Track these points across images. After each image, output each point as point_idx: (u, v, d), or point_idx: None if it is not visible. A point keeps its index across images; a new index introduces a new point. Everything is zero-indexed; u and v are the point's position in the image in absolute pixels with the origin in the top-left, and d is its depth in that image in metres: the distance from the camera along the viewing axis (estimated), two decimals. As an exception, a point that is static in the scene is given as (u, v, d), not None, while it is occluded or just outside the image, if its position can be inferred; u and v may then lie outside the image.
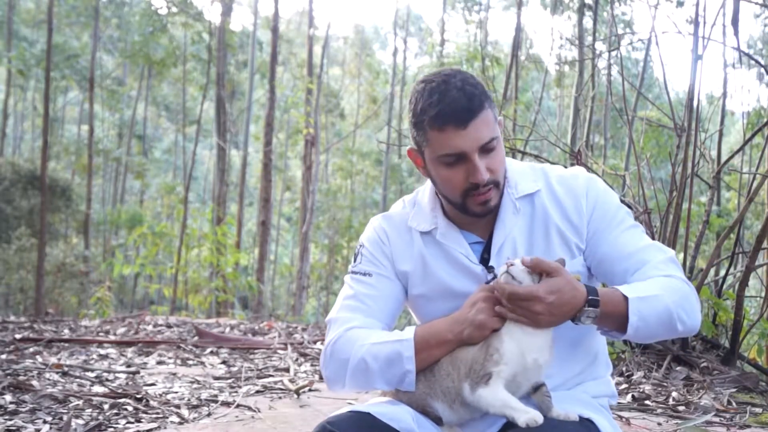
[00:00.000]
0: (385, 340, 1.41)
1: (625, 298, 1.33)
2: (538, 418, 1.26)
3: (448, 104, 1.37)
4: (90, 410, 2.75)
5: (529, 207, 1.49)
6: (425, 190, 1.58)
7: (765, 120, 4.71)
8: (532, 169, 1.54)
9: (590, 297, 1.31)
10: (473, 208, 1.44)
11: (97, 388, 3.19)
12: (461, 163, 1.40)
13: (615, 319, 1.35)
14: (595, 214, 1.48)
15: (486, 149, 1.40)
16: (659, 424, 2.64)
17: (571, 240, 1.47)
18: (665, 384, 3.36)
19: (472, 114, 1.37)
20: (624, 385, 3.31)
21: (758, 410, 2.88)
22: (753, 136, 4.57)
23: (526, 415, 1.26)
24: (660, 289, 1.36)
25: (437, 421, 1.39)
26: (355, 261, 1.56)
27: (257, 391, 3.23)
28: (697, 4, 4.62)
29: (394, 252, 1.54)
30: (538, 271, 1.32)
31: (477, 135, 1.38)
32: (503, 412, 1.29)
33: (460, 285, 1.46)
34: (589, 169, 4.41)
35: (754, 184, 4.00)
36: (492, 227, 1.49)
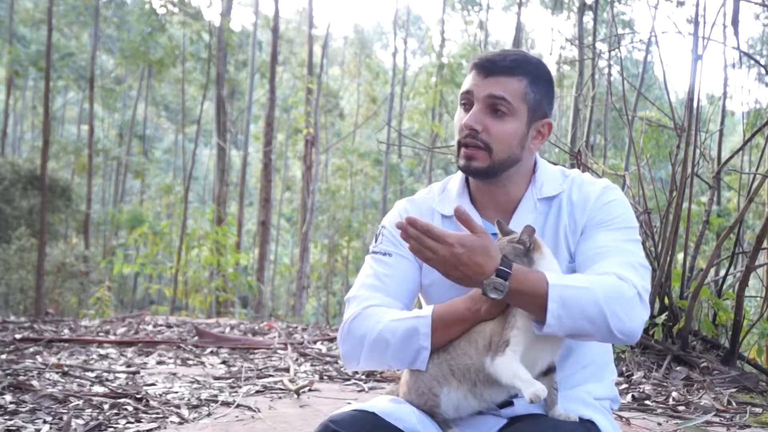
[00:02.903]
0: (402, 317, 1.42)
1: (547, 283, 1.29)
2: (541, 392, 1.24)
3: (490, 55, 1.48)
4: (90, 410, 2.75)
5: (549, 209, 1.51)
6: (456, 176, 1.61)
7: (765, 120, 4.71)
8: (562, 174, 1.55)
9: (500, 267, 1.29)
10: (459, 160, 1.49)
11: (97, 388, 3.18)
12: (468, 111, 1.46)
13: (533, 301, 1.29)
14: (593, 214, 1.47)
15: (493, 108, 1.44)
16: (659, 424, 2.64)
17: (572, 244, 1.48)
18: (665, 384, 3.36)
19: (500, 69, 1.45)
20: (624, 385, 3.31)
21: (758, 410, 2.88)
22: (753, 136, 4.58)
23: (531, 387, 1.24)
24: (592, 283, 1.31)
25: (443, 425, 1.39)
26: (376, 241, 1.58)
27: (257, 391, 3.23)
28: (697, 4, 4.62)
29: None
30: (464, 224, 1.32)
31: (490, 87, 1.44)
32: (512, 382, 1.28)
33: None
34: (589, 169, 4.42)
35: (754, 184, 4.00)
36: (510, 220, 1.51)
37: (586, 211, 1.48)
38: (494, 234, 1.47)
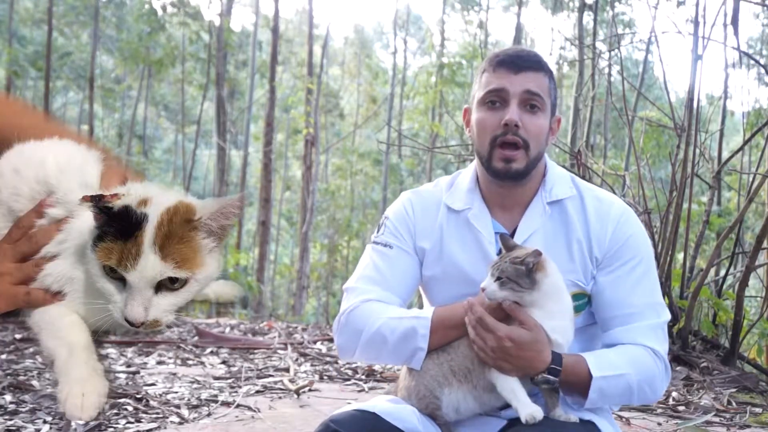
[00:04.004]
0: (402, 316, 1.42)
1: (590, 375, 1.35)
2: (537, 414, 1.27)
3: (511, 52, 1.48)
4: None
5: (558, 212, 1.50)
6: (467, 171, 1.60)
7: (765, 120, 4.71)
8: (572, 179, 1.55)
9: (552, 366, 1.32)
10: (496, 164, 1.45)
11: (97, 388, 3.18)
12: (500, 109, 1.45)
13: (576, 389, 1.38)
14: (614, 246, 1.46)
15: (529, 102, 1.44)
16: (659, 424, 2.64)
17: (586, 257, 1.47)
18: (665, 384, 3.36)
19: (528, 65, 1.45)
20: (624, 385, 3.31)
21: (758, 410, 2.89)
22: (753, 136, 4.58)
23: (527, 409, 1.28)
24: (628, 365, 1.38)
25: (444, 428, 1.38)
26: (378, 231, 1.57)
27: (257, 391, 3.23)
28: (697, 4, 4.63)
29: (417, 227, 1.55)
30: (514, 317, 1.32)
31: (525, 82, 1.44)
32: (509, 399, 1.31)
33: (473, 270, 1.46)
34: (589, 169, 4.42)
35: (754, 185, 4.00)
36: (519, 220, 1.50)
37: (605, 240, 1.46)
38: (496, 232, 1.47)
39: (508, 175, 1.45)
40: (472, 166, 1.58)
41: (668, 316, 1.49)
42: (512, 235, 1.49)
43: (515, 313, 1.30)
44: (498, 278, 1.32)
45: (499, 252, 1.45)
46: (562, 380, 1.33)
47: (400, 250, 1.53)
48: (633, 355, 1.40)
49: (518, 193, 1.51)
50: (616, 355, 1.39)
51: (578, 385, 1.36)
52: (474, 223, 1.50)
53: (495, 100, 1.45)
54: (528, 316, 1.31)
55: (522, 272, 1.31)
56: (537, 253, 1.32)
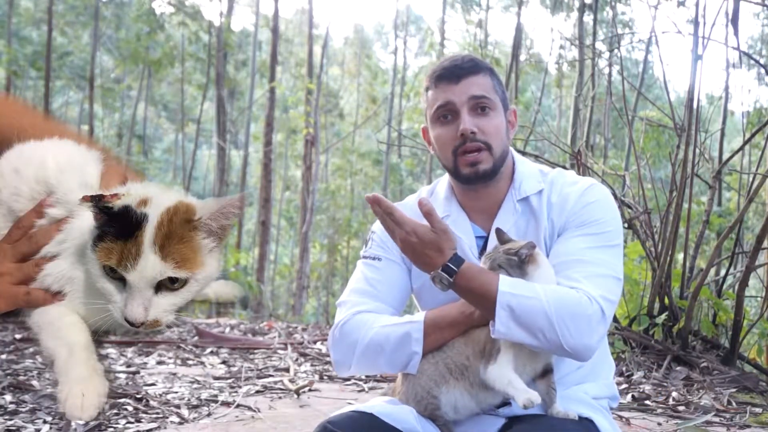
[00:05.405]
0: (395, 323, 1.43)
1: (497, 289, 1.29)
2: (534, 398, 1.26)
3: (447, 64, 1.50)
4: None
5: (528, 208, 1.51)
6: (444, 180, 1.62)
7: (765, 120, 4.71)
8: (541, 173, 1.55)
9: (448, 264, 1.32)
10: (463, 170, 1.48)
11: (97, 388, 3.17)
12: (453, 121, 1.48)
13: (483, 303, 1.32)
14: (571, 216, 1.46)
15: (478, 106, 1.46)
16: (659, 424, 2.64)
17: (555, 243, 1.47)
18: (665, 384, 3.36)
19: (466, 71, 1.47)
20: (624, 385, 3.32)
21: (758, 410, 2.89)
22: (753, 136, 4.58)
23: (525, 395, 1.26)
24: (548, 294, 1.30)
25: (444, 428, 1.39)
26: (366, 246, 1.59)
27: (257, 391, 3.23)
28: (697, 4, 4.63)
29: None
30: (428, 217, 1.33)
31: (467, 89, 1.46)
32: (506, 390, 1.30)
33: None
34: (589, 169, 4.42)
35: (754, 184, 4.00)
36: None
37: (564, 213, 1.46)
38: (481, 237, 1.50)
39: (477, 177, 1.48)
40: (447, 175, 1.60)
41: (618, 273, 1.39)
42: (487, 236, 1.51)
43: (428, 211, 1.33)
44: (490, 267, 1.35)
45: (481, 252, 1.48)
46: (460, 286, 1.31)
47: (389, 261, 1.55)
48: (558, 289, 1.32)
49: (491, 194, 1.53)
50: (536, 285, 1.32)
51: (483, 298, 1.31)
52: (453, 230, 1.50)
53: (446, 114, 1.49)
54: (440, 221, 1.34)
55: (514, 262, 1.34)
56: (531, 246, 1.34)
